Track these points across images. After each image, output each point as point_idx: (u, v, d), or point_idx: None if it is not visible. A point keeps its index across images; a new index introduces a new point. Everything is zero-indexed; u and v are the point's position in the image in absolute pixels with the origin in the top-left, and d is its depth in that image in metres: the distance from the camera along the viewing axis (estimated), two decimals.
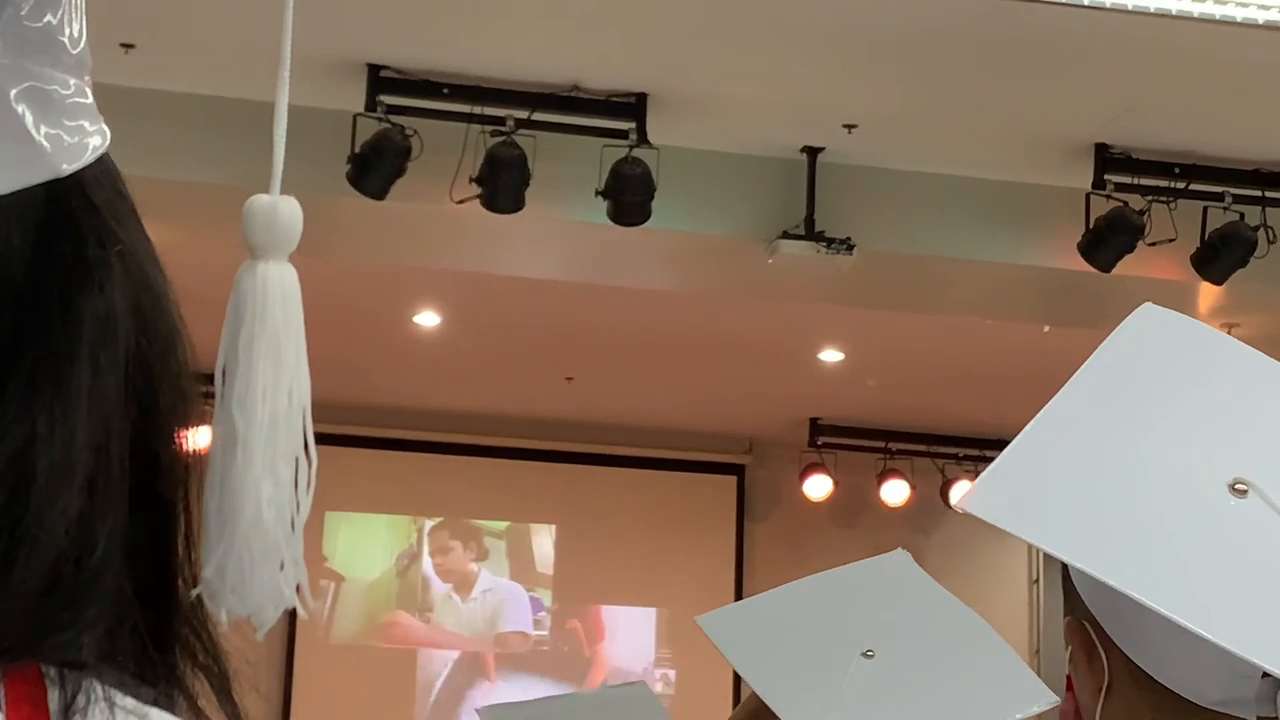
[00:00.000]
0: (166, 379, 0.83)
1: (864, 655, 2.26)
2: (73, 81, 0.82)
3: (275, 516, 0.82)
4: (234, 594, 0.82)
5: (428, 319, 9.69)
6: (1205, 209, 7.57)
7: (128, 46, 6.66)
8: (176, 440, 0.84)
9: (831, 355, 10.12)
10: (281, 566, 0.83)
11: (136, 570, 0.81)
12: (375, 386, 10.75)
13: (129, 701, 0.79)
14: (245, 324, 0.83)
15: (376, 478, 11.26)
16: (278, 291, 0.83)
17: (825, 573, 2.59)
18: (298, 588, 0.84)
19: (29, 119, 0.79)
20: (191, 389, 0.85)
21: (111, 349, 0.81)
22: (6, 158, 0.79)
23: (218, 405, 0.83)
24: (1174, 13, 6.24)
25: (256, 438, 0.82)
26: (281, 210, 0.84)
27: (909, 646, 2.31)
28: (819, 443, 11.71)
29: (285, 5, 0.84)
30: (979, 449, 11.16)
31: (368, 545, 11.66)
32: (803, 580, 2.57)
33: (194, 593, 0.83)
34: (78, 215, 0.81)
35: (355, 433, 10.80)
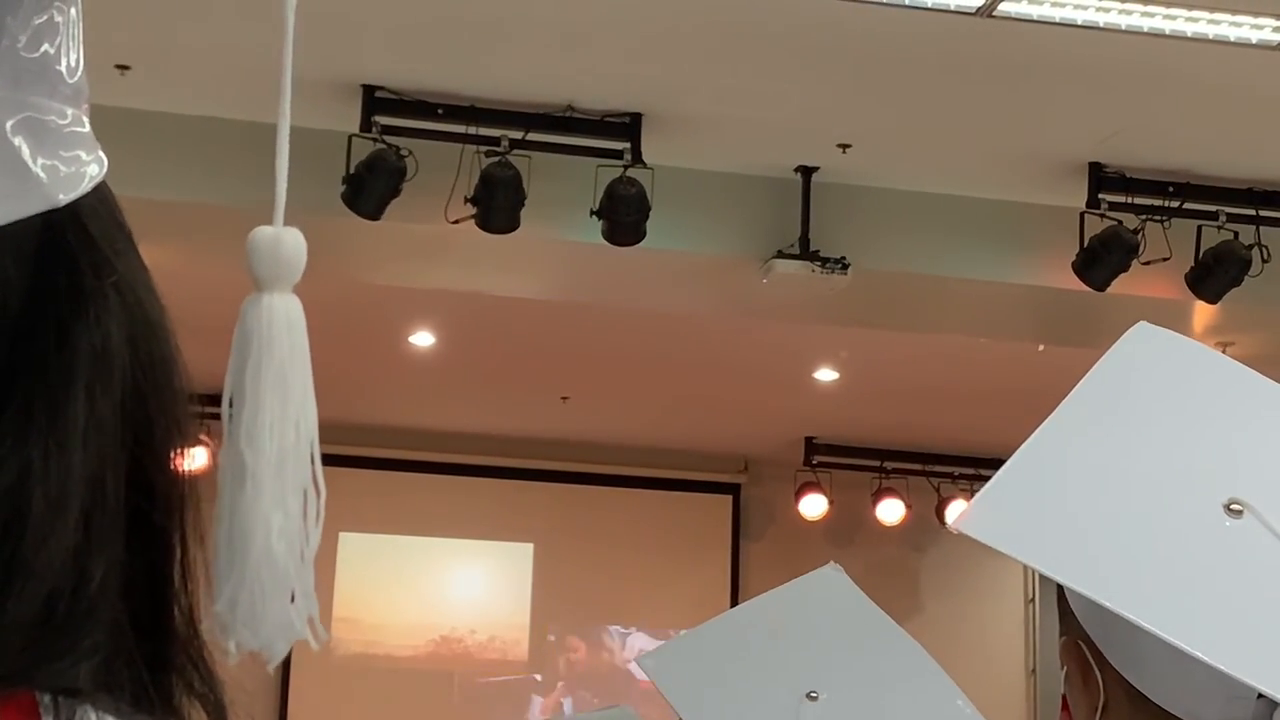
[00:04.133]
0: (162, 409, 0.83)
1: (808, 697, 2.25)
2: (69, 111, 0.82)
3: (285, 549, 0.82)
4: (245, 627, 0.82)
5: (423, 339, 9.69)
6: (1199, 228, 7.58)
7: (123, 68, 6.67)
8: (172, 469, 0.84)
9: (826, 374, 10.12)
10: (292, 598, 0.83)
11: (133, 599, 0.81)
12: (370, 407, 10.74)
13: None
14: (251, 357, 0.82)
15: (372, 498, 11.25)
16: (283, 324, 0.83)
17: (761, 598, 2.58)
18: (309, 620, 0.83)
19: (25, 150, 0.79)
20: (188, 418, 0.85)
21: (107, 381, 0.81)
22: (3, 189, 0.78)
23: (225, 438, 0.83)
24: (1167, 33, 6.25)
25: (265, 470, 0.82)
26: (285, 242, 0.84)
27: (851, 684, 2.31)
28: (814, 462, 11.71)
29: (284, 41, 0.84)
30: (974, 468, 11.16)
31: (365, 565, 11.63)
32: (740, 609, 2.56)
33: (204, 626, 0.83)
34: (74, 246, 0.81)
35: (351, 453, 10.79)
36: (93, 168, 0.82)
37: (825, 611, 2.45)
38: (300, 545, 0.83)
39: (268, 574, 0.82)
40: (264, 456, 0.82)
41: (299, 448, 0.83)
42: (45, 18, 0.80)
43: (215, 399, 0.83)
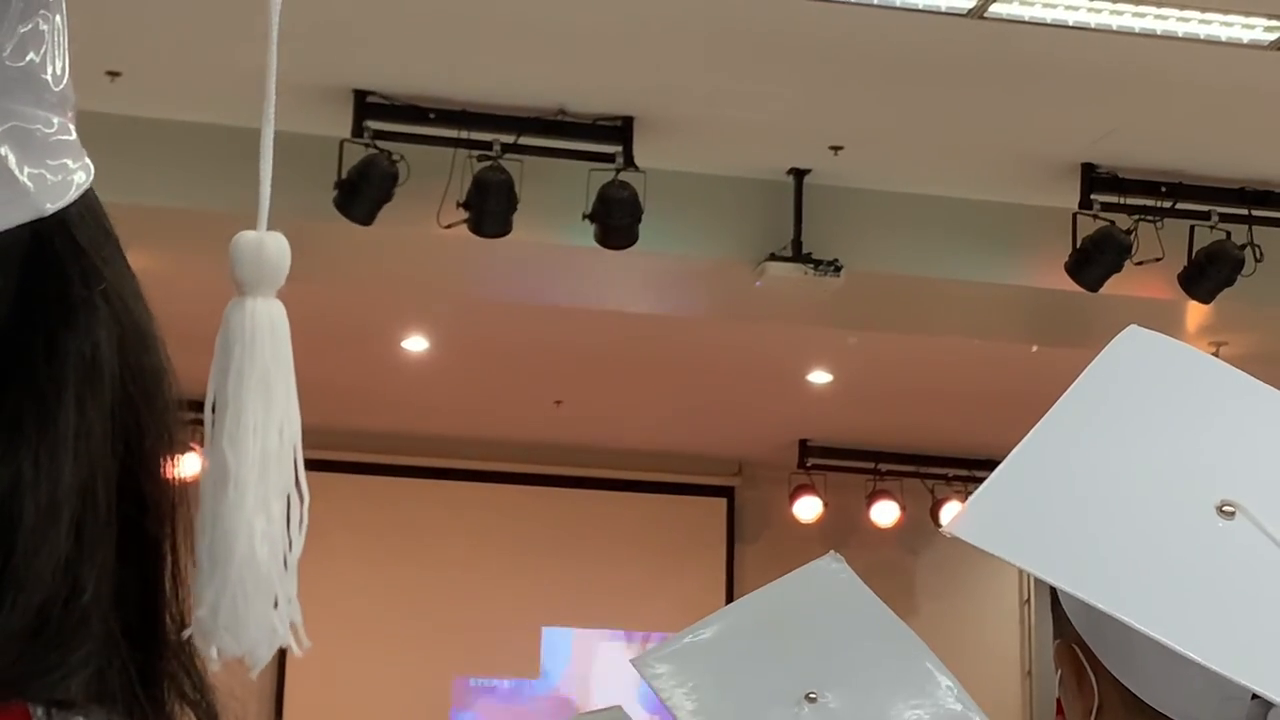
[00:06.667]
0: (152, 416, 0.83)
1: (808, 698, 2.24)
2: (55, 119, 0.81)
3: (268, 553, 0.81)
4: (227, 632, 0.81)
5: (416, 344, 9.68)
6: (1192, 228, 7.59)
7: (114, 74, 6.66)
8: (163, 476, 0.84)
9: (820, 377, 10.12)
10: (275, 604, 0.82)
11: (124, 609, 0.81)
12: (364, 412, 10.73)
13: None
14: (234, 361, 0.82)
15: (365, 503, 11.24)
16: (266, 328, 0.83)
17: (759, 594, 2.57)
18: (292, 626, 0.83)
19: (12, 160, 0.79)
20: (177, 425, 0.85)
21: (97, 389, 0.80)
22: None
23: (208, 442, 0.82)
24: (1159, 33, 6.26)
25: (248, 475, 0.81)
26: (268, 246, 0.84)
27: (850, 683, 2.30)
28: (808, 464, 11.70)
29: (269, 44, 0.83)
30: (968, 469, 11.16)
31: (357, 571, 11.61)
32: (737, 606, 2.54)
33: (186, 633, 0.82)
34: (62, 255, 0.80)
35: (344, 458, 10.78)
36: (80, 175, 0.82)
37: (825, 606, 2.43)
38: (283, 550, 0.82)
39: (250, 579, 0.81)
40: (247, 460, 0.81)
41: (282, 452, 0.82)
42: (30, 26, 0.80)
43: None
